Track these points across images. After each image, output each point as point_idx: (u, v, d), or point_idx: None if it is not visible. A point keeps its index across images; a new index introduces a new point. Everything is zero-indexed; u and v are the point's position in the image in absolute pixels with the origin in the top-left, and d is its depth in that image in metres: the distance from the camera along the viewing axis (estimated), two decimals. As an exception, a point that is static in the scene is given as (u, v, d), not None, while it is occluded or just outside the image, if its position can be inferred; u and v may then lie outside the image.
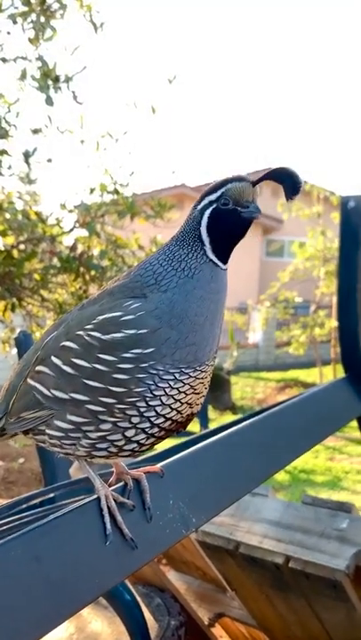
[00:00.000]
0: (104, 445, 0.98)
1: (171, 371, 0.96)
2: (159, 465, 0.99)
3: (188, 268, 1.01)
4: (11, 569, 0.67)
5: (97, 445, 0.98)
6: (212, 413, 10.35)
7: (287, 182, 1.04)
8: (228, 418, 10.01)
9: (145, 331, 0.95)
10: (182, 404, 1.00)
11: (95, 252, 5.48)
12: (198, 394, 1.03)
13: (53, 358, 1.03)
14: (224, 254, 1.05)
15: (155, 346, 0.95)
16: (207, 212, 1.05)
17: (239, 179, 1.05)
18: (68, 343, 1.01)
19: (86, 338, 0.98)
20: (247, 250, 20.99)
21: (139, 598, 2.62)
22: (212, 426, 8.82)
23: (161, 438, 1.02)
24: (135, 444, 0.98)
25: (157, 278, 1.01)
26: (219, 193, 1.05)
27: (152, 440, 1.00)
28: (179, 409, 0.99)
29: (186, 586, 3.15)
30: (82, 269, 5.32)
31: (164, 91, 5.98)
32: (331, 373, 12.12)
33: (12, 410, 1.11)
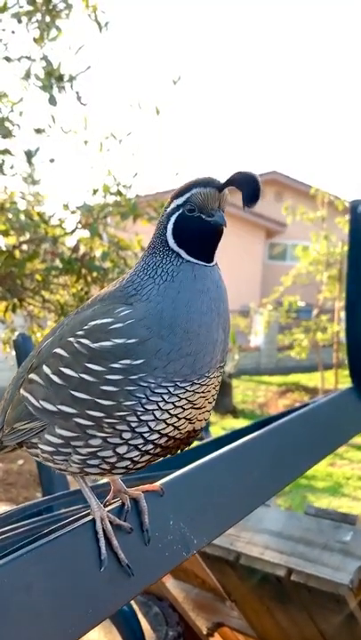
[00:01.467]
0: (95, 462, 0.92)
1: (164, 384, 0.89)
2: (159, 483, 0.94)
3: (166, 273, 0.94)
4: (-2, 599, 0.62)
5: (88, 462, 0.93)
6: (212, 417, 10.30)
7: (246, 189, 0.94)
8: (229, 422, 9.97)
9: (134, 340, 0.89)
10: (180, 419, 0.92)
11: (97, 253, 5.44)
12: (200, 409, 0.95)
13: (44, 366, 0.98)
14: (203, 254, 0.97)
15: (144, 357, 0.88)
16: (173, 218, 0.98)
17: (205, 183, 0.96)
18: (58, 350, 0.97)
19: (76, 345, 0.93)
20: (250, 253, 20.96)
21: (136, 607, 2.57)
22: (213, 430, 8.78)
23: (157, 456, 0.95)
24: (128, 462, 0.92)
25: (137, 288, 0.94)
26: (185, 197, 0.97)
27: (147, 457, 0.93)
28: (176, 424, 0.92)
29: (184, 594, 3.10)
30: (84, 271, 5.28)
31: (168, 91, 5.95)
32: (333, 378, 12.06)
33: (7, 420, 1.07)
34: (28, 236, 5.18)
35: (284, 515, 2.52)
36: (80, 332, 0.94)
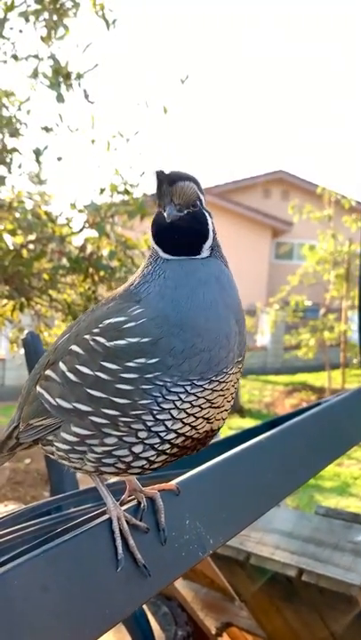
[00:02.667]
0: (110, 461, 0.91)
1: (180, 383, 0.87)
2: (174, 482, 0.92)
3: (157, 274, 0.93)
4: (14, 601, 0.61)
5: (103, 460, 0.91)
6: (219, 416, 10.27)
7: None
8: (236, 421, 9.94)
9: (147, 339, 0.87)
10: (197, 418, 0.90)
11: (104, 252, 5.44)
12: (219, 408, 0.93)
13: (60, 363, 0.98)
14: (181, 248, 0.95)
15: (159, 356, 0.86)
16: (154, 217, 0.98)
17: (156, 177, 0.96)
18: (74, 347, 0.96)
19: (91, 343, 0.93)
20: (256, 252, 20.93)
21: (145, 607, 2.56)
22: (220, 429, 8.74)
23: (175, 456, 0.93)
24: (144, 461, 0.90)
25: (141, 289, 0.94)
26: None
27: (163, 457, 0.91)
28: (193, 424, 0.90)
29: (193, 594, 3.09)
30: (91, 270, 5.28)
31: (175, 90, 5.94)
32: (340, 377, 12.02)
33: (23, 416, 1.06)
34: (35, 235, 5.19)
35: (295, 515, 2.51)
36: (96, 330, 0.93)
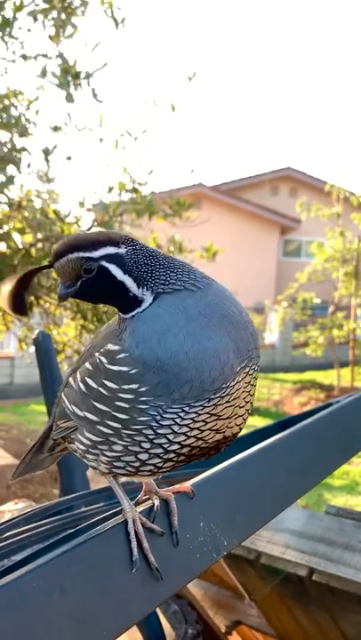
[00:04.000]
0: (121, 464, 0.92)
1: (175, 406, 0.86)
2: (189, 483, 0.92)
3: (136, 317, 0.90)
4: (32, 602, 0.61)
5: (114, 464, 0.93)
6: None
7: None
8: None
9: (136, 371, 0.87)
10: (203, 431, 0.89)
11: (113, 251, 5.44)
12: (229, 418, 0.91)
13: (78, 372, 1.00)
14: (121, 306, 0.92)
15: (148, 385, 0.86)
16: None
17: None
18: (87, 360, 0.98)
19: (97, 360, 0.94)
20: (264, 250, 20.88)
21: (155, 605, 2.56)
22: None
23: (183, 462, 0.93)
24: (152, 466, 0.91)
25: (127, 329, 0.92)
26: None
27: (170, 464, 0.92)
28: (200, 436, 0.90)
29: (203, 592, 3.09)
30: (100, 268, 5.28)
31: (184, 88, 5.94)
32: (348, 375, 11.98)
33: (55, 416, 1.11)
34: (44, 233, 5.20)
35: (305, 514, 2.50)
36: (102, 350, 0.95)
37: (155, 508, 0.91)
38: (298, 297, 12.83)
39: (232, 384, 0.88)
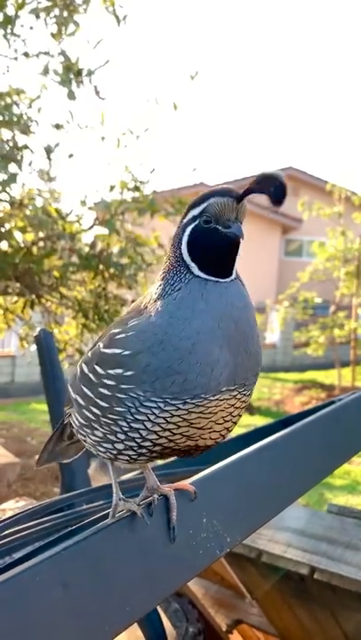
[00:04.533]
0: (102, 449, 0.98)
1: (153, 399, 0.88)
2: (191, 481, 0.92)
3: (172, 289, 0.92)
4: (34, 597, 0.61)
5: (97, 447, 0.99)
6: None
7: (272, 190, 0.90)
8: (245, 418, 9.93)
9: (127, 353, 0.90)
10: (175, 434, 0.91)
11: (114, 249, 5.45)
12: (204, 429, 0.92)
13: (81, 359, 1.07)
14: (220, 269, 0.92)
15: (134, 370, 0.89)
16: (188, 230, 0.94)
17: (223, 192, 0.92)
18: (92, 348, 1.04)
19: (96, 346, 1.01)
20: (266, 249, 20.87)
21: (156, 603, 2.56)
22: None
23: (157, 458, 0.97)
24: (127, 457, 0.96)
25: (148, 302, 0.94)
26: (201, 208, 0.93)
27: (144, 458, 0.95)
28: (171, 438, 0.91)
29: (204, 591, 3.09)
30: (101, 267, 5.29)
31: (186, 87, 5.93)
32: (350, 375, 11.97)
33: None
34: (45, 232, 5.20)
35: (307, 512, 2.50)
36: (104, 337, 1.00)
37: (154, 502, 0.91)
38: (299, 296, 12.82)
39: (211, 398, 0.89)
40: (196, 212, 0.94)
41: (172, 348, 0.87)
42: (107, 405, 0.92)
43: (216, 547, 0.82)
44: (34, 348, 4.09)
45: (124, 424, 0.91)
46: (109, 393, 0.91)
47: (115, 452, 0.95)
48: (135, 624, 2.37)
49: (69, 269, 5.31)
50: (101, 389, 0.93)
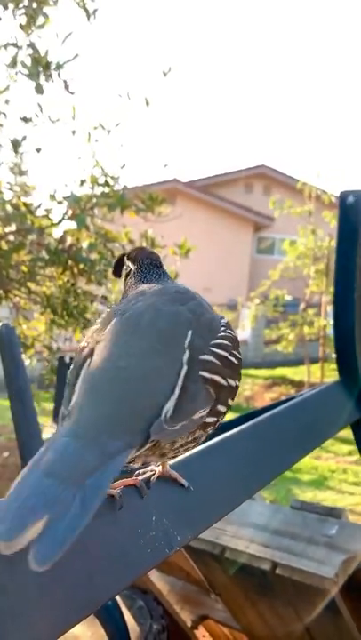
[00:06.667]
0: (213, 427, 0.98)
1: None
2: (141, 477, 0.91)
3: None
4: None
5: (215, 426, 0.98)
6: (199, 410, 10.29)
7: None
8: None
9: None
10: None
11: (84, 244, 5.40)
12: None
13: None
14: None
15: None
16: None
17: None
18: None
19: (224, 333, 1.00)
20: (238, 246, 20.95)
21: (119, 600, 2.55)
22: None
23: None
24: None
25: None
26: None
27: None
28: None
29: (169, 587, 3.09)
30: (70, 262, 5.24)
31: (158, 83, 5.90)
32: (319, 372, 12.12)
33: None
34: (14, 226, 5.13)
35: (270, 508, 2.52)
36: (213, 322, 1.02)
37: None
38: (270, 294, 12.92)
39: None
40: None
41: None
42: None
43: (165, 545, 0.81)
44: None
45: None
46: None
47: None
48: (97, 622, 2.36)
49: (38, 264, 5.25)
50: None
